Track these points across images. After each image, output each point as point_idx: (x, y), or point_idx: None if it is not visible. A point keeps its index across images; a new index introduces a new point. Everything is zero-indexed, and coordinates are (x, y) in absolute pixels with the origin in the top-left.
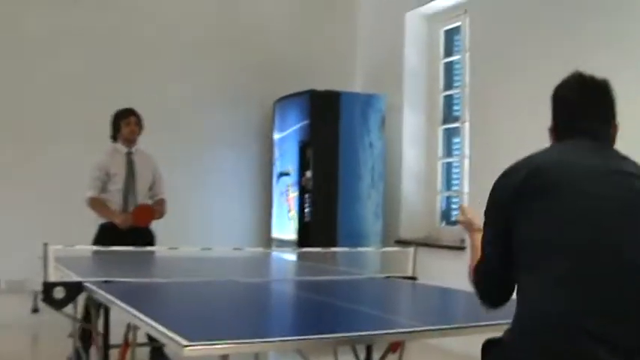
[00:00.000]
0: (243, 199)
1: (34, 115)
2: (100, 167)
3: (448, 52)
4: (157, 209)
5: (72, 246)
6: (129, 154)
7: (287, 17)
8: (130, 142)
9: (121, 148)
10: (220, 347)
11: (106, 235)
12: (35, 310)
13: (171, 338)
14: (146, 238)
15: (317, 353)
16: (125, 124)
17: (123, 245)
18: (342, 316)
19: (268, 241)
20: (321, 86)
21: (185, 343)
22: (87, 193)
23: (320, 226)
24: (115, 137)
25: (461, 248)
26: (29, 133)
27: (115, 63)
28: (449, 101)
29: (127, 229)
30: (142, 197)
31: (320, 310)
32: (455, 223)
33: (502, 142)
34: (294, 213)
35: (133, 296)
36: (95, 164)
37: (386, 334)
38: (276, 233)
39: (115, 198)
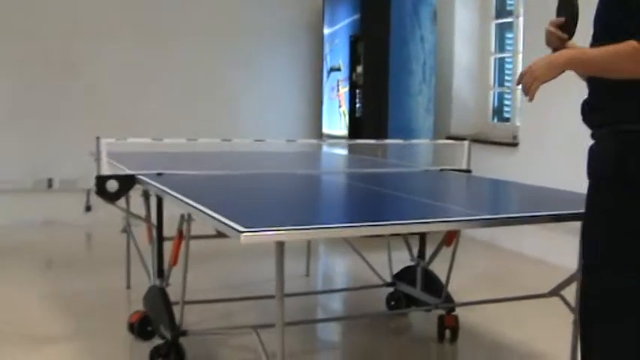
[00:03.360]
0: (294, 94)
1: (85, 17)
2: None
3: None
4: None
5: (124, 139)
6: None
7: None
8: None
9: None
10: (275, 234)
11: None
12: (88, 209)
13: (228, 225)
14: None
15: (369, 246)
16: None
17: None
18: (395, 206)
19: (319, 137)
20: None
21: (241, 229)
22: None
23: (371, 121)
24: None
25: (513, 145)
26: (84, 31)
27: None
28: None
29: None
30: None
31: (373, 200)
32: (507, 119)
33: None
34: (344, 108)
35: (188, 188)
36: None
37: (442, 221)
38: (326, 129)
39: None
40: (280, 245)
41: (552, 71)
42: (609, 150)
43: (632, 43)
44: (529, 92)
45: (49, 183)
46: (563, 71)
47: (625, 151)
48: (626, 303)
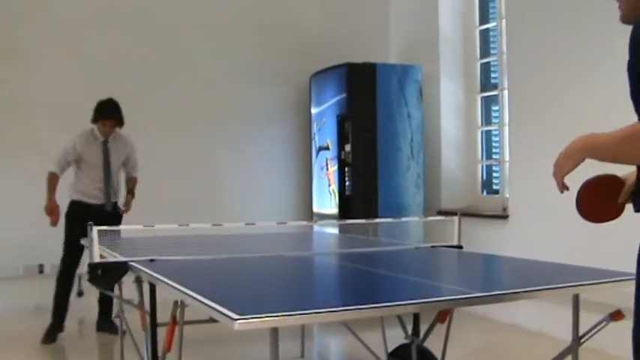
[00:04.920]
0: (282, 174)
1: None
2: (73, 150)
3: (483, 19)
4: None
5: (115, 226)
6: (105, 143)
7: None
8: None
9: (98, 135)
10: (269, 320)
11: (76, 210)
12: (80, 294)
13: (221, 313)
14: (114, 217)
15: (363, 325)
16: (102, 124)
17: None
18: (388, 286)
19: (309, 216)
20: (357, 59)
21: (235, 316)
22: (50, 167)
23: (361, 199)
24: (95, 121)
25: (503, 217)
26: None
27: (155, 46)
28: (486, 69)
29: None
30: (114, 180)
31: (367, 280)
32: (496, 191)
33: (542, 108)
34: (334, 187)
35: (180, 274)
36: (70, 144)
37: (434, 302)
38: (317, 208)
39: (89, 184)
40: (274, 331)
41: (570, 161)
42: None
43: (636, 124)
44: (558, 187)
45: (40, 269)
46: (584, 158)
47: None
48: None
